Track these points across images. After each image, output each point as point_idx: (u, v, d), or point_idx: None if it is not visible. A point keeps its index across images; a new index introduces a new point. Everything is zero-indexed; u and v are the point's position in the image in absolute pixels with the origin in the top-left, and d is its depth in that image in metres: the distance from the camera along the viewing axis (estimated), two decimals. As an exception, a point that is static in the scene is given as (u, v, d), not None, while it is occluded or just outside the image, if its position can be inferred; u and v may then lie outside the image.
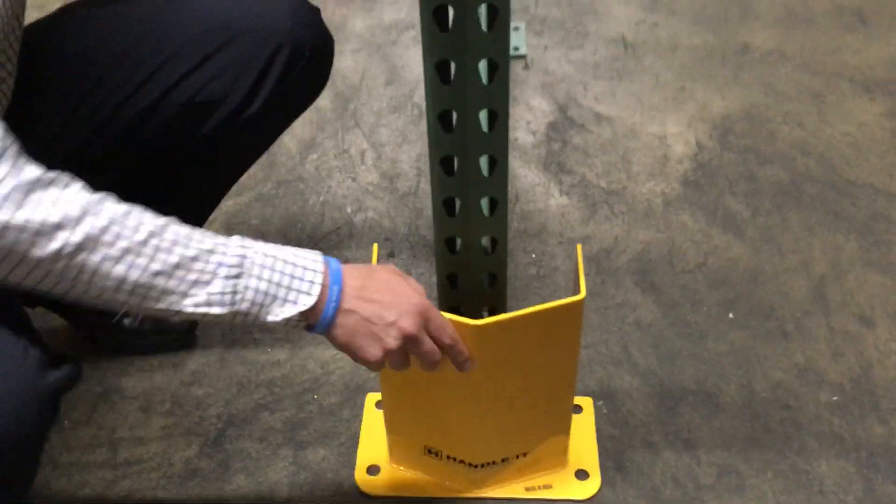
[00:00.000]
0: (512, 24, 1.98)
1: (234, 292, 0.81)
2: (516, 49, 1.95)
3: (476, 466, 1.12)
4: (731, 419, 1.24)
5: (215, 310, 0.81)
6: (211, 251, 0.80)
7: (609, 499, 1.15)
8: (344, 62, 1.94)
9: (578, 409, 1.25)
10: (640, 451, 1.20)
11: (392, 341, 0.87)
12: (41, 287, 0.76)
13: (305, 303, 0.84)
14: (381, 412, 1.20)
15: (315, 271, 0.84)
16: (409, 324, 0.87)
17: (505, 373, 1.00)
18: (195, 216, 1.24)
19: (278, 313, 0.83)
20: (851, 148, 1.68)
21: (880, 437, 1.21)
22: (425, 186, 1.64)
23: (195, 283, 0.80)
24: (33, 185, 0.72)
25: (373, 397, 1.27)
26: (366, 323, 0.86)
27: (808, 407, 1.25)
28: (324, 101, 1.83)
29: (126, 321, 1.34)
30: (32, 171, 0.73)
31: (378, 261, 1.00)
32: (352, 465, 1.20)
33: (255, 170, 1.66)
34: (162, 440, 1.24)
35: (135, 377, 1.32)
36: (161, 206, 0.90)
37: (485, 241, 0.96)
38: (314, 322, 0.86)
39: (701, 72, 1.88)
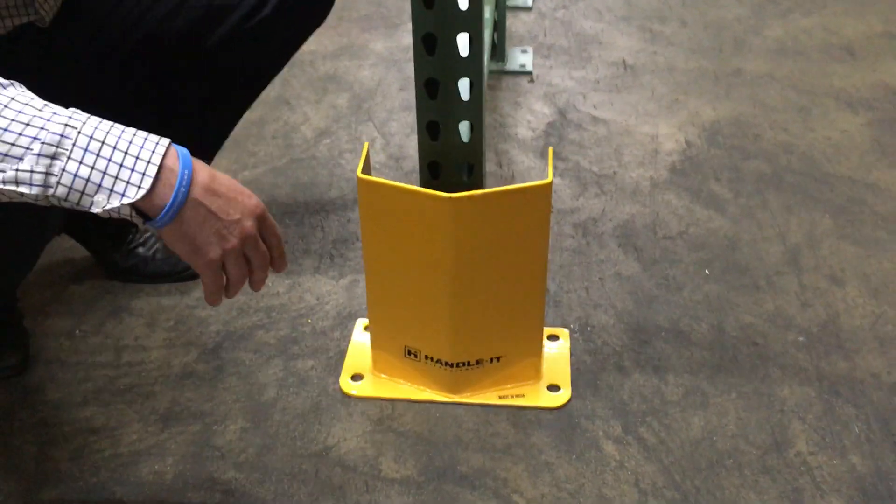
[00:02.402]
0: (520, 48, 2.14)
1: (47, 174, 0.74)
2: (523, 66, 2.09)
3: (452, 366, 1.18)
4: (701, 351, 1.30)
5: (23, 189, 0.74)
6: (28, 124, 0.74)
7: (578, 409, 1.21)
8: (362, 73, 2.09)
9: (555, 337, 1.32)
10: (612, 373, 1.26)
11: (234, 240, 0.83)
12: None
13: (133, 195, 0.76)
14: (367, 333, 1.28)
15: (150, 163, 0.77)
16: (251, 224, 0.84)
17: (481, 252, 1.08)
18: (207, 140, 1.36)
19: (102, 204, 0.76)
20: (833, 149, 1.78)
21: (843, 370, 1.26)
22: (428, 164, 1.76)
23: (5, 156, 0.73)
24: None
25: (362, 322, 1.35)
26: (212, 217, 0.81)
27: (775, 344, 1.31)
28: (340, 100, 1.98)
29: (140, 249, 1.44)
30: None
31: (367, 162, 1.10)
32: (337, 374, 1.27)
33: (271, 149, 1.80)
34: (163, 348, 1.32)
35: (143, 300, 1.41)
36: (175, 125, 0.97)
37: (464, 128, 1.06)
38: (154, 215, 0.78)
39: (695, 88, 2.00)
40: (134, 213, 0.78)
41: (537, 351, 1.22)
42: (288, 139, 1.84)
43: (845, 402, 1.21)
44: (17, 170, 0.73)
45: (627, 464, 1.12)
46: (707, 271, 1.46)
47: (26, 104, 0.76)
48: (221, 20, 1.21)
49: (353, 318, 1.37)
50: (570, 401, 1.21)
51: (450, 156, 1.09)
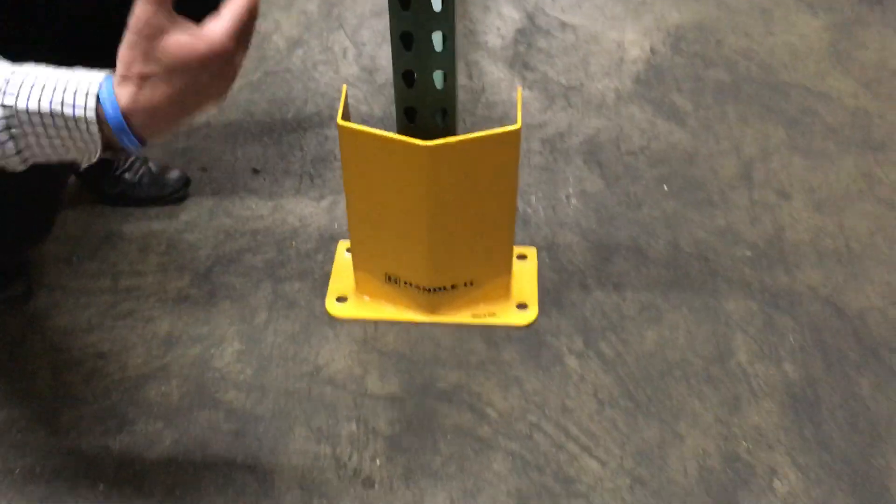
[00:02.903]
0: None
1: (18, 151, 0.73)
2: (492, -33, 2.09)
3: (429, 291, 1.29)
4: (657, 268, 1.42)
5: (13, 161, 0.74)
6: None
7: (544, 326, 1.33)
8: (331, -27, 2.09)
9: (523, 256, 1.42)
10: (576, 291, 1.38)
11: (232, 70, 0.74)
12: None
13: (94, 151, 0.73)
14: (350, 256, 1.38)
15: (88, 120, 0.71)
16: (228, 66, 0.73)
17: (455, 193, 1.17)
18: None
19: (81, 160, 0.75)
20: (791, 55, 1.85)
21: (784, 284, 1.39)
22: (400, 77, 1.80)
23: None
24: None
25: (343, 244, 1.45)
26: (176, 96, 0.70)
27: (724, 259, 1.43)
28: (310, 5, 1.99)
29: (126, 175, 1.50)
30: None
31: (347, 106, 1.15)
32: (323, 296, 1.37)
33: (244, 61, 1.82)
34: (157, 273, 1.41)
35: (134, 224, 1.49)
36: None
37: (437, 77, 1.12)
38: (120, 147, 0.74)
39: (661, -11, 2.03)
40: (108, 152, 0.75)
41: (507, 273, 1.33)
42: (261, 50, 1.87)
43: (783, 314, 1.34)
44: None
45: (588, 376, 1.26)
46: (665, 187, 1.56)
47: None
48: None
49: (334, 240, 1.46)
50: (537, 318, 1.33)
51: (425, 102, 1.15)
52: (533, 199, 1.53)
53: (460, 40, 1.89)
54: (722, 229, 1.48)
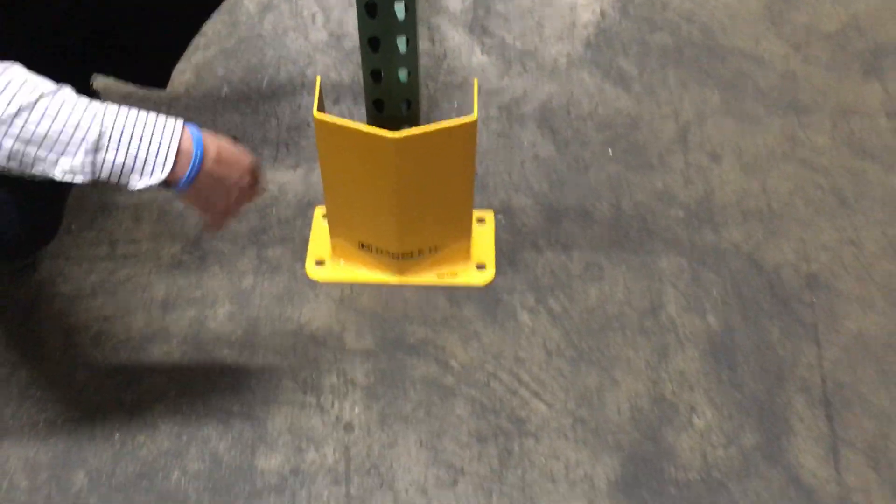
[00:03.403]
0: None
1: (94, 164, 0.94)
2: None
3: (399, 257, 1.46)
4: (600, 229, 1.59)
5: (79, 178, 0.94)
6: (76, 125, 0.92)
7: (501, 284, 1.51)
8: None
9: (482, 220, 1.59)
10: (528, 251, 1.55)
11: (236, 193, 1.08)
12: None
13: (159, 175, 0.97)
14: (325, 222, 1.53)
15: (170, 149, 0.98)
16: (247, 179, 1.09)
17: (419, 177, 1.32)
18: (168, 57, 1.52)
19: (137, 183, 0.97)
20: (729, 18, 1.99)
21: (711, 242, 1.57)
22: (367, 44, 1.93)
23: (62, 153, 0.92)
24: None
25: (319, 210, 1.60)
26: (218, 182, 1.04)
27: (660, 220, 1.60)
28: (279, -32, 2.08)
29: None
30: None
31: (321, 98, 1.29)
32: (303, 260, 1.53)
33: (218, 27, 1.93)
34: (151, 241, 1.56)
35: (126, 195, 1.62)
36: (138, 49, 1.15)
37: (402, 73, 1.26)
38: (173, 187, 1.01)
39: (612, -51, 2.15)
40: (160, 187, 1.00)
41: (467, 237, 1.50)
42: (233, 15, 1.97)
43: (709, 271, 1.53)
44: (72, 164, 0.94)
45: (538, 330, 1.45)
46: (611, 151, 1.72)
47: (74, 106, 0.94)
48: None
49: (311, 206, 1.61)
50: (494, 278, 1.51)
51: (391, 95, 1.30)
52: (491, 164, 1.68)
53: (422, 4, 2.00)
54: (659, 192, 1.65)
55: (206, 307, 1.47)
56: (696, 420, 1.34)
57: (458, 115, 1.79)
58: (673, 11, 2.00)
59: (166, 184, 1.01)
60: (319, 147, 1.34)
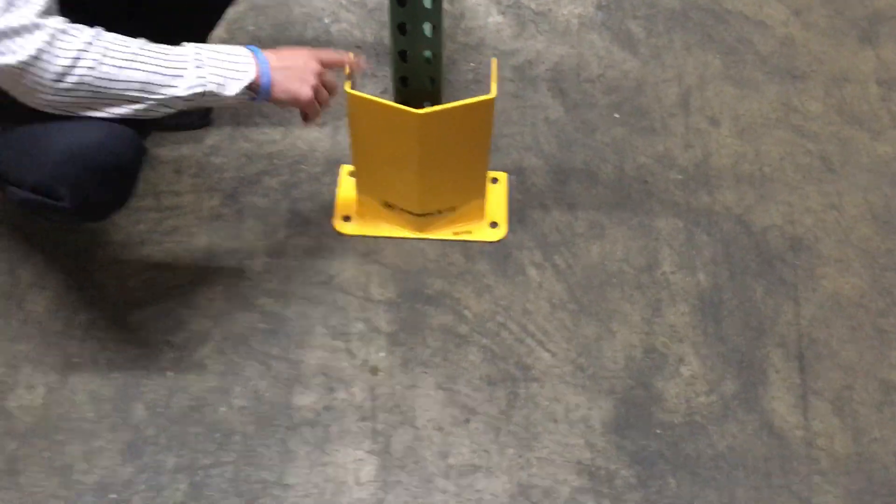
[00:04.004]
0: None
1: (201, 77, 1.19)
2: None
3: (419, 216, 1.60)
4: (604, 190, 1.73)
5: (196, 90, 1.19)
6: (179, 54, 1.19)
7: (511, 241, 1.65)
8: None
9: (496, 180, 1.72)
10: (537, 210, 1.70)
11: (311, 77, 1.30)
12: (85, 101, 1.13)
13: (248, 77, 1.23)
14: (352, 179, 1.67)
15: (246, 56, 1.25)
16: (313, 62, 1.31)
17: (440, 147, 1.46)
18: (205, 25, 1.64)
19: (233, 88, 1.22)
20: (735, -19, 2.08)
21: (705, 204, 1.71)
22: (389, 3, 2.03)
23: (177, 74, 1.18)
24: (63, 33, 1.10)
25: (346, 167, 1.73)
26: (291, 71, 1.28)
27: (659, 182, 1.74)
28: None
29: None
30: (58, 21, 1.10)
31: (352, 74, 1.42)
32: (331, 215, 1.68)
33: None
34: (192, 193, 1.70)
35: (167, 148, 1.76)
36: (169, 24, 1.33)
37: (427, 55, 1.38)
38: (257, 89, 1.26)
39: None
40: (248, 93, 1.25)
41: (482, 197, 1.64)
42: (261, -30, 2.07)
43: (703, 232, 1.67)
44: (188, 82, 1.19)
45: (544, 284, 1.60)
46: (616, 115, 1.84)
47: (166, 46, 1.20)
48: None
49: (338, 163, 1.75)
50: (506, 235, 1.66)
51: (416, 73, 1.42)
52: (504, 125, 1.81)
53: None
54: (660, 154, 1.78)
55: (244, 258, 1.62)
56: (682, 370, 1.50)
57: (475, 74, 1.90)
58: (682, -27, 2.09)
59: (251, 89, 1.25)
60: (350, 118, 1.46)
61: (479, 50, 1.95)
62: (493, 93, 1.40)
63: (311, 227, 1.66)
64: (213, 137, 1.78)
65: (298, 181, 1.72)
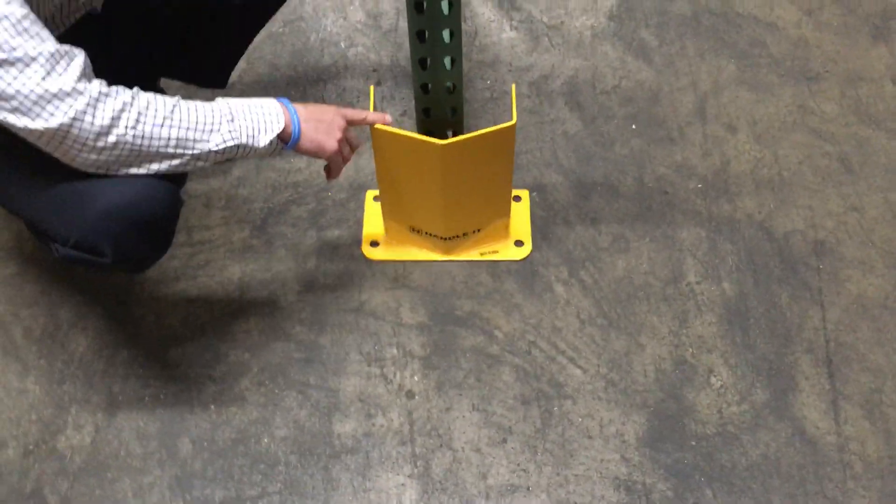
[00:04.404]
0: None
1: (234, 130, 1.24)
2: None
3: (446, 239, 1.63)
4: (626, 203, 1.75)
5: (229, 143, 1.24)
6: (212, 110, 1.23)
7: (537, 259, 1.68)
8: None
9: (518, 198, 1.75)
10: (560, 226, 1.72)
11: (338, 131, 1.36)
12: (123, 159, 1.18)
13: (278, 126, 1.28)
14: (377, 204, 1.70)
15: (276, 107, 1.29)
16: (339, 118, 1.36)
17: (464, 174, 1.48)
18: (228, 63, 1.68)
19: (265, 138, 1.27)
20: (745, -16, 2.09)
21: (726, 212, 1.73)
22: (403, 24, 2.05)
23: (212, 130, 1.22)
24: (103, 95, 1.14)
25: (371, 193, 1.77)
26: (319, 124, 1.34)
27: (680, 192, 1.76)
28: (315, -54, 2.19)
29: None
30: (96, 85, 1.14)
31: (374, 98, 1.45)
32: (359, 241, 1.71)
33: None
34: (222, 226, 1.74)
35: (195, 182, 1.80)
36: (202, 57, 1.43)
37: (448, 85, 1.41)
38: (288, 138, 1.31)
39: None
40: (279, 142, 1.30)
41: (506, 216, 1.67)
42: (275, -3, 2.09)
43: (725, 240, 1.70)
44: (221, 134, 1.23)
45: (572, 300, 1.63)
46: (633, 126, 1.86)
47: (199, 102, 1.24)
48: None
49: (362, 189, 1.78)
50: (531, 253, 1.69)
51: (438, 104, 1.45)
52: (523, 142, 1.84)
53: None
54: (679, 164, 1.80)
55: (276, 288, 1.65)
56: (713, 380, 1.53)
57: (491, 92, 1.93)
58: (691, -22, 2.10)
59: (281, 140, 1.30)
60: (375, 151, 1.50)
61: (495, 67, 1.97)
62: (514, 119, 1.43)
63: (339, 253, 1.70)
64: (239, 168, 1.82)
65: (325, 208, 1.76)
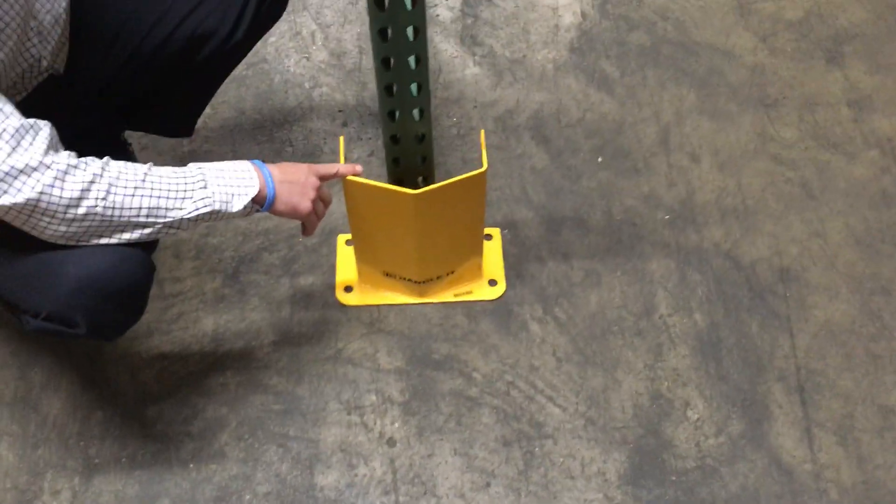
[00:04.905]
0: None
1: (207, 197, 1.22)
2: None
3: (420, 282, 1.64)
4: (596, 237, 1.77)
5: (202, 210, 1.22)
6: (184, 176, 1.22)
7: (511, 297, 1.69)
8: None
9: (490, 237, 1.76)
10: (533, 263, 1.74)
11: (311, 191, 1.35)
12: (94, 230, 1.17)
13: (253, 191, 1.27)
14: (349, 248, 1.70)
15: (249, 171, 1.28)
16: (312, 177, 1.36)
17: (436, 220, 1.49)
18: (192, 114, 1.67)
19: (238, 204, 1.26)
20: (701, 12, 2.13)
21: (694, 242, 1.76)
22: (366, 63, 2.06)
23: (184, 198, 1.21)
24: (72, 168, 1.13)
25: (342, 237, 1.77)
26: (293, 186, 1.33)
27: (648, 224, 1.78)
28: (274, -15, 2.18)
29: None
30: (64, 157, 1.13)
31: (344, 148, 1.45)
32: (332, 286, 1.71)
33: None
34: (193, 277, 1.73)
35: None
36: (166, 110, 1.43)
37: (417, 138, 1.42)
38: (262, 201, 1.30)
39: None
40: (253, 205, 1.28)
41: (479, 256, 1.67)
42: (236, 39, 2.09)
43: (694, 270, 1.72)
44: (194, 201, 1.22)
45: (547, 339, 1.64)
46: (600, 158, 1.89)
47: (170, 169, 1.23)
48: (202, 46, 1.48)
49: (333, 233, 1.78)
50: (505, 292, 1.70)
51: (407, 153, 1.46)
52: (492, 179, 1.85)
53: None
54: (646, 195, 1.83)
55: (252, 338, 1.65)
56: (689, 413, 1.55)
57: (458, 129, 1.94)
58: (648, 8, 2.14)
59: (256, 203, 1.29)
60: (347, 200, 1.50)
61: (460, 103, 1.98)
62: (485, 165, 1.44)
63: (313, 300, 1.69)
64: (207, 217, 1.80)
65: (297, 254, 1.75)
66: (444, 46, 2.08)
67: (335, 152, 1.90)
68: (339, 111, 1.97)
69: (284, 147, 1.91)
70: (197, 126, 1.91)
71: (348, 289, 1.70)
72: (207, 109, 1.94)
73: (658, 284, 1.71)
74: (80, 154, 1.65)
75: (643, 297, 1.69)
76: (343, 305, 1.68)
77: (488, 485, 1.48)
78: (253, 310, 1.68)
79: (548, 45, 2.08)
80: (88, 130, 1.55)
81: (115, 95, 1.52)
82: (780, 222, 1.78)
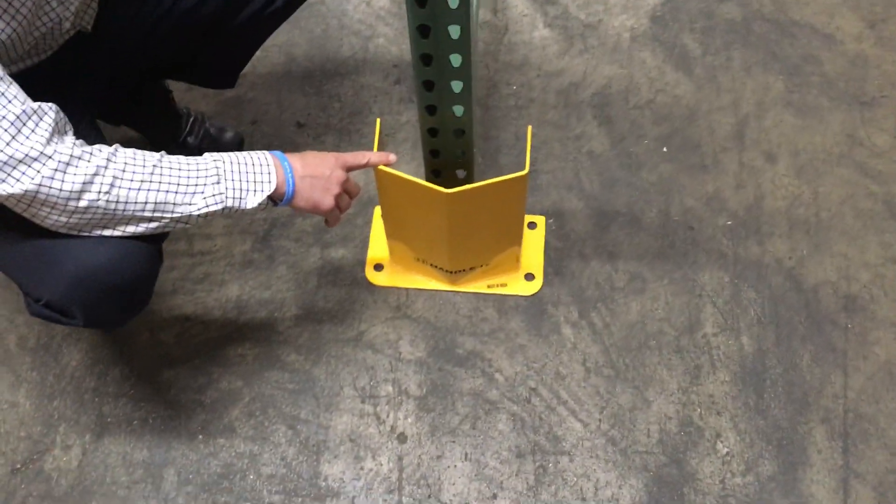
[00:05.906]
0: None
1: (219, 193, 1.15)
2: None
3: (452, 272, 1.56)
4: (647, 237, 1.65)
5: (213, 208, 1.15)
6: (196, 169, 1.14)
7: (546, 295, 1.60)
8: None
9: (534, 225, 1.66)
10: (575, 260, 1.63)
11: (335, 186, 1.26)
12: (97, 222, 1.10)
13: (269, 187, 1.19)
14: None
15: (269, 165, 1.19)
16: (339, 171, 1.27)
17: (471, 218, 1.39)
18: (233, 69, 1.58)
19: (253, 201, 1.18)
20: (805, -14, 1.91)
21: (754, 255, 1.62)
22: (428, 15, 1.92)
23: (194, 193, 1.14)
24: (75, 159, 1.06)
25: (379, 210, 1.68)
26: (315, 181, 1.24)
27: (706, 229, 1.65)
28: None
29: (189, 139, 1.72)
30: (68, 147, 1.06)
31: (380, 131, 1.36)
32: (363, 262, 1.64)
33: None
34: (224, 237, 1.68)
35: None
36: (206, 63, 1.41)
37: (456, 133, 1.31)
38: (279, 199, 1.22)
39: None
40: (269, 202, 1.21)
41: (517, 248, 1.57)
42: (296, -25, 1.97)
43: (749, 287, 1.59)
44: (205, 197, 1.15)
45: (579, 345, 1.55)
46: (665, 148, 1.74)
47: (185, 159, 1.16)
48: (241, 10, 1.38)
49: (371, 204, 1.70)
50: (541, 288, 1.60)
51: (446, 147, 1.35)
52: (544, 160, 1.73)
53: (486, -35, 1.96)
54: (709, 196, 1.68)
55: (275, 309, 1.60)
56: (719, 445, 1.46)
57: (516, 99, 1.81)
58: (746, -24, 1.93)
59: (272, 199, 1.21)
60: (379, 188, 1.41)
61: (523, 70, 1.84)
62: (527, 168, 1.33)
63: (342, 276, 1.63)
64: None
65: (330, 223, 1.68)
66: (514, 2, 1.92)
67: (383, 112, 1.80)
68: (394, 66, 1.86)
69: (332, 102, 1.82)
70: (244, 70, 1.83)
71: (378, 267, 1.63)
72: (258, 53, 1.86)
73: (707, 299, 1.58)
74: (115, 110, 1.59)
75: (689, 312, 1.57)
76: (371, 285, 1.62)
77: (495, 496, 1.43)
78: (279, 279, 1.63)
79: (628, 9, 1.90)
80: (122, 84, 1.49)
81: (149, 51, 1.45)
82: (855, 242, 1.63)
